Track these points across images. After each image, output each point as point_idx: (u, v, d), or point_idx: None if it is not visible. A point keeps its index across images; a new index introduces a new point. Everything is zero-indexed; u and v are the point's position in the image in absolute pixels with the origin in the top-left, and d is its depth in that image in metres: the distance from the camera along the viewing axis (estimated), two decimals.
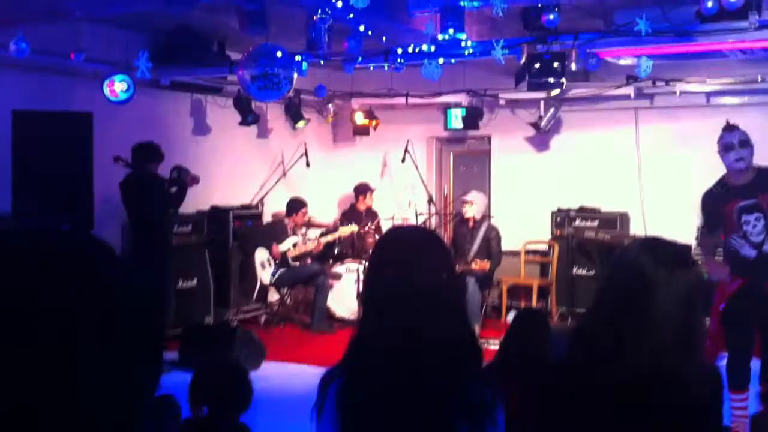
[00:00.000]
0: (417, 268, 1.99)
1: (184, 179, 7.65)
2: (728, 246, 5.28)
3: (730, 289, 5.19)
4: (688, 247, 2.24)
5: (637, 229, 9.49)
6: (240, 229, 9.48)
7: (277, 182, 10.27)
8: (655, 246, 2.08)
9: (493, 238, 8.81)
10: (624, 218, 9.56)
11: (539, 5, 6.16)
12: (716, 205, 5.31)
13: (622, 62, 7.24)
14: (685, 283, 1.97)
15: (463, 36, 6.14)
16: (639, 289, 1.99)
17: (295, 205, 9.50)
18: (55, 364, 0.74)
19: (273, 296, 9.89)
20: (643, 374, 1.93)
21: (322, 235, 9.85)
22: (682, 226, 8.89)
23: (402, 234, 2.33)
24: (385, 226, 9.79)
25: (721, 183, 5.40)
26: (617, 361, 1.96)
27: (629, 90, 8.92)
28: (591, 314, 2.15)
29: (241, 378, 3.40)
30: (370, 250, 2.37)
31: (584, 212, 9.69)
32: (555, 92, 7.60)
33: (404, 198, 11.06)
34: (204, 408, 3.24)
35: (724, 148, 5.38)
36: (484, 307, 9.06)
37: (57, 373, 0.74)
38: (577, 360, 2.06)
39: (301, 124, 10.07)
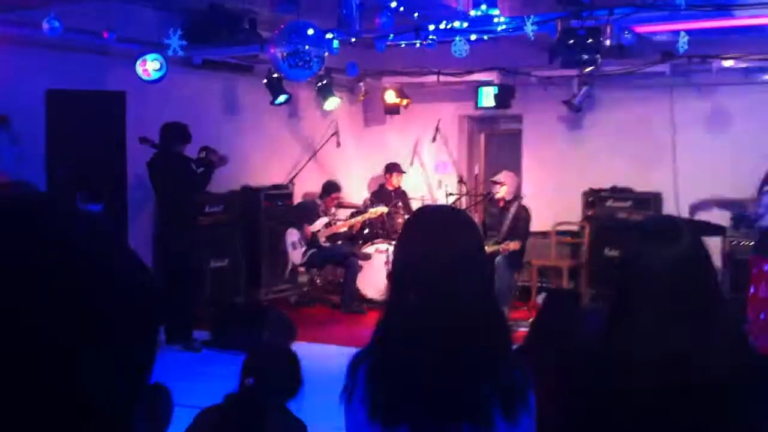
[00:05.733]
0: (445, 248, 1.95)
1: (211, 159, 7.65)
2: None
3: None
4: (677, 220, 2.22)
5: (670, 210, 9.36)
6: (271, 209, 9.51)
7: (307, 162, 10.27)
8: (644, 222, 2.09)
9: (521, 218, 8.72)
10: (657, 199, 9.42)
11: None
12: None
13: (658, 38, 7.10)
14: (671, 255, 1.95)
15: (495, 12, 6.05)
16: (631, 266, 2.03)
17: (329, 189, 9.52)
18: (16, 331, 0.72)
19: (303, 276, 9.92)
20: (657, 352, 1.90)
21: (352, 215, 9.85)
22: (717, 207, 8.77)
23: (430, 213, 2.28)
24: (415, 206, 9.75)
25: None
26: (632, 340, 1.93)
27: (665, 67, 8.76)
28: (612, 297, 2.16)
29: (295, 365, 3.41)
30: (400, 230, 2.34)
31: (617, 193, 9.58)
32: (589, 69, 7.47)
33: (434, 178, 11.03)
34: (250, 381, 3.25)
35: None
36: (514, 289, 9.00)
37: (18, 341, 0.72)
38: (606, 342, 2.04)
39: (332, 103, 10.03)
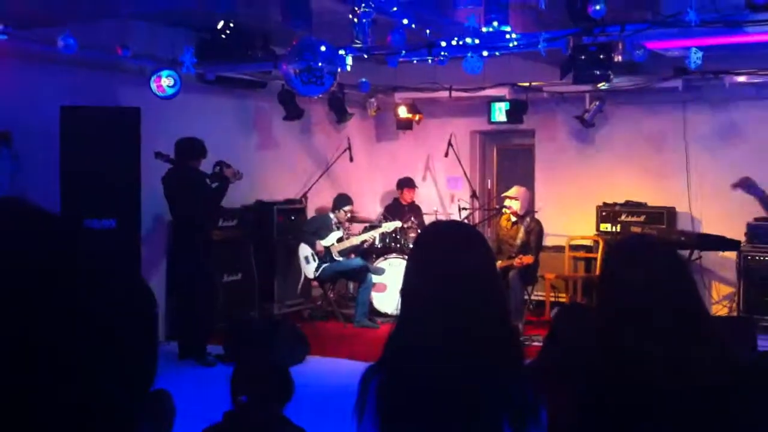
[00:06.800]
0: (456, 264, 1.96)
1: (225, 174, 7.68)
2: None
3: None
4: (651, 239, 2.32)
5: (684, 224, 9.34)
6: (284, 224, 9.54)
7: (320, 177, 10.30)
8: (619, 242, 2.21)
9: (534, 232, 8.72)
10: (671, 213, 9.40)
11: None
12: None
13: (670, 54, 7.10)
14: (647, 271, 2.02)
15: (507, 28, 6.07)
16: (606, 281, 2.13)
17: (341, 202, 9.53)
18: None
19: (317, 291, 9.93)
20: (651, 365, 1.92)
21: (366, 230, 9.86)
22: (731, 221, 8.74)
23: (442, 229, 2.29)
24: (428, 221, 9.75)
25: None
26: (620, 355, 1.97)
27: (677, 82, 8.75)
28: (598, 313, 2.23)
29: (280, 370, 3.42)
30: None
31: (630, 207, 9.55)
32: (602, 85, 7.47)
33: (447, 193, 11.04)
34: (243, 399, 3.27)
35: None
36: (527, 304, 8.97)
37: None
38: (599, 354, 2.09)
39: (344, 118, 10.08)
